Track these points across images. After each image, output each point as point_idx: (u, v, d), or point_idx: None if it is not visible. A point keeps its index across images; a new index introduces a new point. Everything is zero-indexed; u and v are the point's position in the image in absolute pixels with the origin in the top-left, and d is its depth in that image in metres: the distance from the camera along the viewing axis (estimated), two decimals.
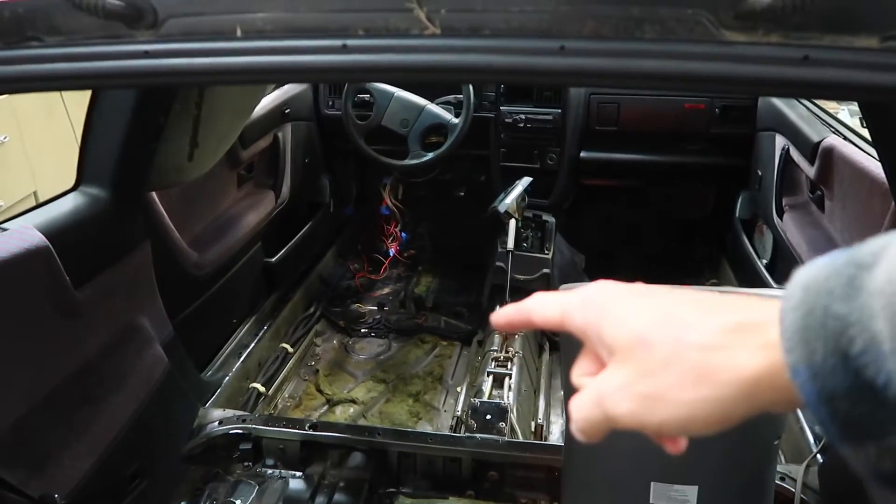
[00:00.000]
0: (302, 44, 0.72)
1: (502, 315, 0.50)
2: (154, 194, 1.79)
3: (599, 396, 0.42)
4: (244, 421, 1.82)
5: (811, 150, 2.00)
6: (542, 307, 0.48)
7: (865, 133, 1.84)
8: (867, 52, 0.66)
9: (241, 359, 2.26)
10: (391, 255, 3.28)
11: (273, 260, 2.56)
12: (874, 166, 1.62)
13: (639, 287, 0.45)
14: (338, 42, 0.70)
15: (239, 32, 0.73)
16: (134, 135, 1.52)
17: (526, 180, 2.55)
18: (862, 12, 0.67)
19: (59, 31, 0.78)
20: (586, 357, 0.46)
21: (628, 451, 1.29)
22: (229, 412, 1.88)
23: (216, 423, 1.83)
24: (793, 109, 2.31)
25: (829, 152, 1.90)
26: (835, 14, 0.67)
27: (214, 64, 0.73)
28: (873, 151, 1.51)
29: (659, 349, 0.39)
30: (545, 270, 2.62)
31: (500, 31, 0.69)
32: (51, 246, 1.34)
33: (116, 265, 1.58)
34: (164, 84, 1.23)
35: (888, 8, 0.67)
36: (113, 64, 0.74)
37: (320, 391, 2.45)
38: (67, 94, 3.37)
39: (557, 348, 2.45)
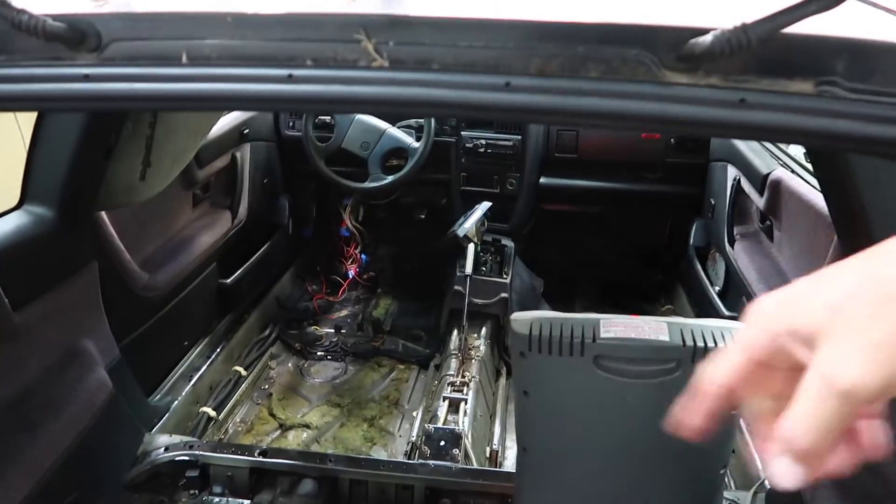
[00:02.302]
0: (248, 72, 0.71)
1: (697, 416, 0.43)
2: (104, 214, 1.75)
3: (827, 379, 0.36)
4: (191, 447, 1.77)
5: (760, 181, 2.06)
6: (732, 369, 0.41)
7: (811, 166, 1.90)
8: (802, 96, 0.68)
9: (192, 382, 2.20)
10: (350, 276, 3.25)
11: (228, 281, 2.52)
12: (819, 199, 1.68)
13: (798, 284, 0.40)
14: (284, 72, 0.70)
15: (185, 59, 0.72)
16: (83, 153, 1.48)
17: (485, 205, 2.57)
18: (797, 57, 0.69)
19: None
20: (763, 383, 0.41)
21: (578, 480, 1.29)
22: (176, 438, 1.83)
23: (162, 449, 1.78)
24: (744, 141, 2.37)
25: (777, 184, 1.96)
26: (771, 58, 0.69)
27: (158, 90, 0.71)
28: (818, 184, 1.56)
29: (864, 297, 0.36)
30: (503, 295, 2.63)
31: (447, 66, 0.69)
32: None
33: (60, 286, 1.53)
34: (105, 109, 1.21)
35: (822, 53, 0.70)
36: (52, 87, 0.72)
37: (273, 415, 2.40)
38: None
39: None
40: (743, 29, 0.64)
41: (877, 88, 0.68)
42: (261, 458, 1.72)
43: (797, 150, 2.20)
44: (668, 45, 0.69)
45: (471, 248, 2.51)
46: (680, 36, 0.69)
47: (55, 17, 0.71)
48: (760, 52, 0.67)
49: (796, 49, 0.70)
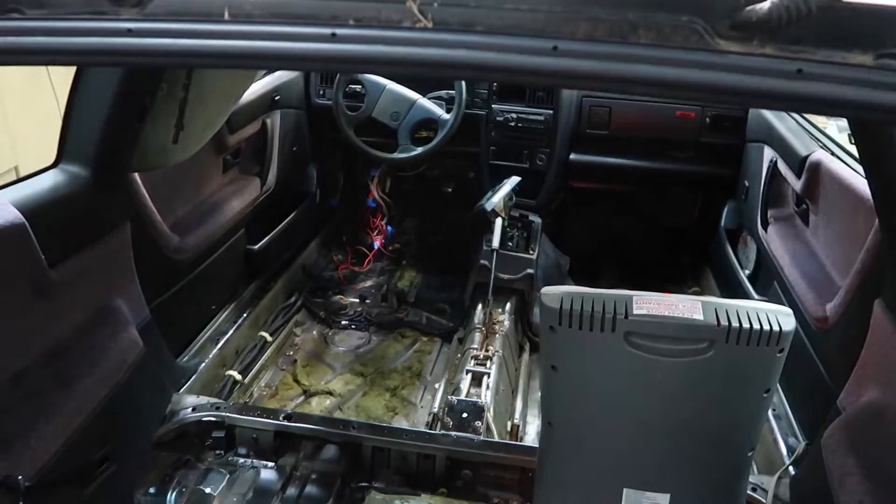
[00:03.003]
0: (291, 30, 0.70)
1: None
2: (136, 176, 1.76)
3: None
4: (218, 408, 1.80)
5: (799, 163, 2.01)
6: None
7: (853, 149, 1.85)
8: (861, 68, 0.66)
9: (219, 346, 2.23)
10: (375, 248, 3.26)
11: (256, 247, 2.54)
12: (860, 183, 1.63)
13: None
14: (327, 30, 0.69)
15: (227, 15, 0.72)
16: (118, 114, 1.49)
17: (514, 179, 2.54)
18: (857, 29, 0.67)
19: (42, 4, 0.76)
20: None
21: (602, 457, 1.29)
22: (203, 399, 1.86)
23: (189, 409, 1.81)
24: (782, 122, 2.32)
25: (817, 167, 1.91)
26: (830, 29, 0.66)
27: (200, 46, 0.71)
28: (860, 168, 1.52)
29: None
30: (529, 271, 2.62)
31: (492, 28, 0.68)
32: (27, 223, 1.32)
33: (94, 245, 1.55)
34: (146, 64, 1.21)
35: (883, 26, 0.67)
36: (95, 41, 0.72)
37: (297, 382, 2.43)
38: (53, 68, 3.31)
39: (538, 349, 2.45)
40: None
41: None
42: (286, 422, 1.75)
43: (837, 133, 2.14)
44: (722, 13, 0.67)
45: (498, 222, 2.49)
46: (735, 3, 0.67)
47: None
48: (819, 21, 0.65)
49: (856, 20, 0.67)
